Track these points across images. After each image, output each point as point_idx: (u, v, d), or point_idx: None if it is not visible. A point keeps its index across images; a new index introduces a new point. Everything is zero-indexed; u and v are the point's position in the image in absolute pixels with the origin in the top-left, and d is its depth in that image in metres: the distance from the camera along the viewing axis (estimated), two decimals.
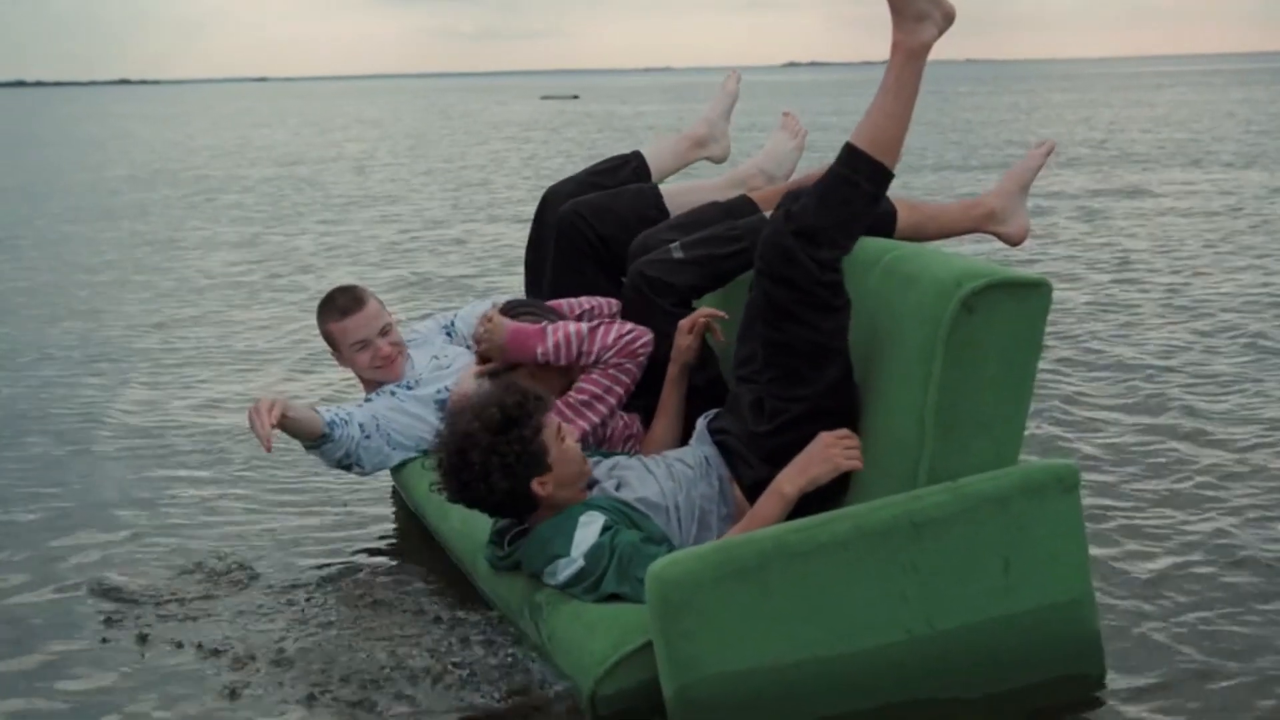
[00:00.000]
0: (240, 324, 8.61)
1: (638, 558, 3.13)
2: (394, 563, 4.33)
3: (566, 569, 3.22)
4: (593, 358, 3.72)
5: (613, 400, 3.76)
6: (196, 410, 6.38)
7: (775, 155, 4.42)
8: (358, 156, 25.89)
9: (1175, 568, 4.06)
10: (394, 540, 4.58)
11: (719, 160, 4.77)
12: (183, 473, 5.39)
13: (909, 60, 3.22)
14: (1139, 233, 11.39)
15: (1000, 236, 4.17)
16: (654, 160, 4.61)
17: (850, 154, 3.21)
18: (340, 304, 4.39)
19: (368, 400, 4.38)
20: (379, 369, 4.37)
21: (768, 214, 3.76)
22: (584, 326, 3.77)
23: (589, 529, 3.22)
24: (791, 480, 3.23)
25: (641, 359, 3.75)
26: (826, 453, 3.23)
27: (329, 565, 4.32)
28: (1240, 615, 3.71)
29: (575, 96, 70.24)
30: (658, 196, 4.22)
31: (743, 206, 3.95)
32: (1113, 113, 32.84)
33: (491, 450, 3.19)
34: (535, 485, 3.25)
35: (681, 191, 4.25)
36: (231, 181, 20.43)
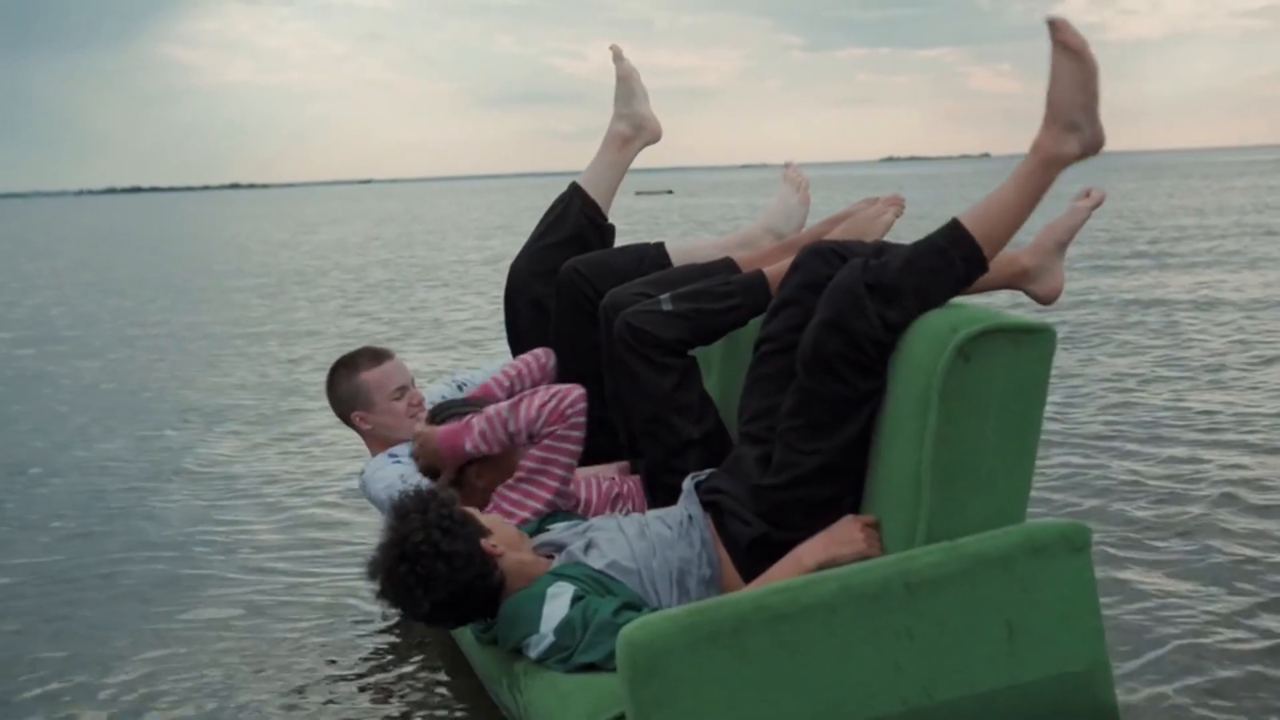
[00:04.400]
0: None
1: (610, 628, 2.94)
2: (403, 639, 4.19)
3: (539, 645, 3.04)
4: (524, 434, 3.55)
5: (557, 470, 3.58)
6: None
7: (781, 211, 4.25)
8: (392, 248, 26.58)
9: (1199, 635, 3.80)
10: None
11: (656, 139, 4.49)
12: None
13: (1042, 167, 3.15)
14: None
15: (1031, 294, 3.96)
16: (591, 183, 4.40)
17: (954, 230, 3.13)
18: (369, 354, 4.42)
19: (394, 460, 4.21)
20: (413, 417, 4.26)
21: (766, 269, 3.61)
22: (504, 406, 3.60)
23: (558, 601, 3.04)
24: (813, 553, 3.07)
25: (573, 419, 3.56)
26: (853, 534, 3.07)
27: (324, 631, 4.19)
28: (1272, 687, 3.43)
29: (669, 191, 70.76)
30: (662, 254, 4.06)
31: (723, 266, 3.80)
32: (1172, 201, 32.29)
33: (426, 528, 3.06)
34: (486, 545, 3.10)
35: (686, 251, 4.09)
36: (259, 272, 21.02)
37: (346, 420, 4.53)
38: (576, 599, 3.03)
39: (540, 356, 4.15)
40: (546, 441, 3.57)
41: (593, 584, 3.09)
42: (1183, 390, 7.57)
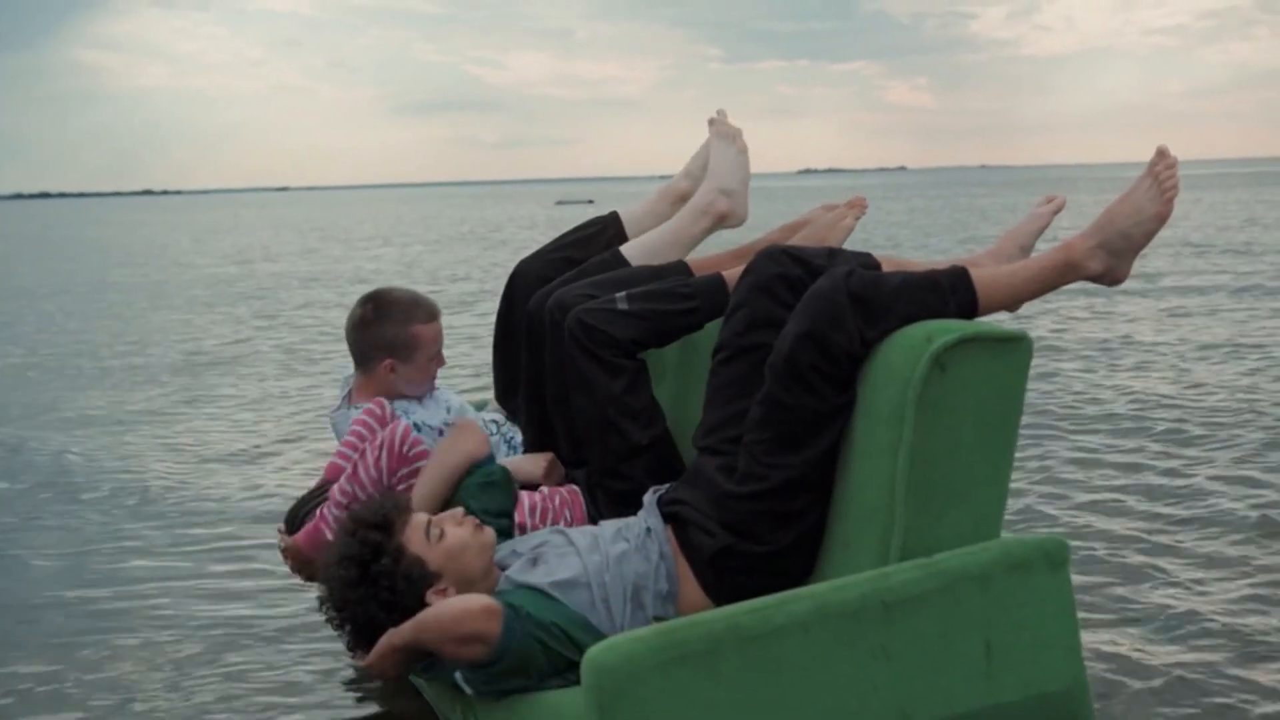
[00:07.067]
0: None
1: (542, 648, 2.83)
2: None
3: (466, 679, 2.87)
4: (377, 489, 3.37)
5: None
6: None
7: (724, 168, 3.99)
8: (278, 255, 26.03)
9: (1179, 653, 3.74)
10: None
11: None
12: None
13: (1063, 267, 3.14)
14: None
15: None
16: (633, 222, 4.17)
17: (959, 277, 3.06)
18: (426, 308, 3.93)
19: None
20: (432, 378, 3.99)
21: (724, 272, 3.50)
22: (343, 480, 3.42)
23: None
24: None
25: (414, 454, 3.40)
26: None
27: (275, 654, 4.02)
28: (1252, 705, 3.38)
29: (590, 201, 70.84)
30: (621, 261, 3.91)
31: (678, 269, 3.68)
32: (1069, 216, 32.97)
33: (365, 600, 2.91)
34: (432, 597, 2.94)
35: (645, 252, 3.93)
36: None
37: (368, 360, 3.93)
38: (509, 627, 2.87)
39: (376, 409, 3.71)
40: (401, 487, 3.41)
41: (536, 604, 2.94)
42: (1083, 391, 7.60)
